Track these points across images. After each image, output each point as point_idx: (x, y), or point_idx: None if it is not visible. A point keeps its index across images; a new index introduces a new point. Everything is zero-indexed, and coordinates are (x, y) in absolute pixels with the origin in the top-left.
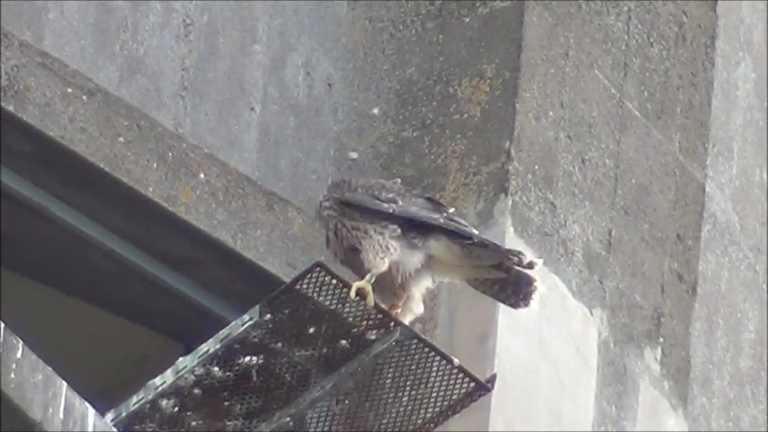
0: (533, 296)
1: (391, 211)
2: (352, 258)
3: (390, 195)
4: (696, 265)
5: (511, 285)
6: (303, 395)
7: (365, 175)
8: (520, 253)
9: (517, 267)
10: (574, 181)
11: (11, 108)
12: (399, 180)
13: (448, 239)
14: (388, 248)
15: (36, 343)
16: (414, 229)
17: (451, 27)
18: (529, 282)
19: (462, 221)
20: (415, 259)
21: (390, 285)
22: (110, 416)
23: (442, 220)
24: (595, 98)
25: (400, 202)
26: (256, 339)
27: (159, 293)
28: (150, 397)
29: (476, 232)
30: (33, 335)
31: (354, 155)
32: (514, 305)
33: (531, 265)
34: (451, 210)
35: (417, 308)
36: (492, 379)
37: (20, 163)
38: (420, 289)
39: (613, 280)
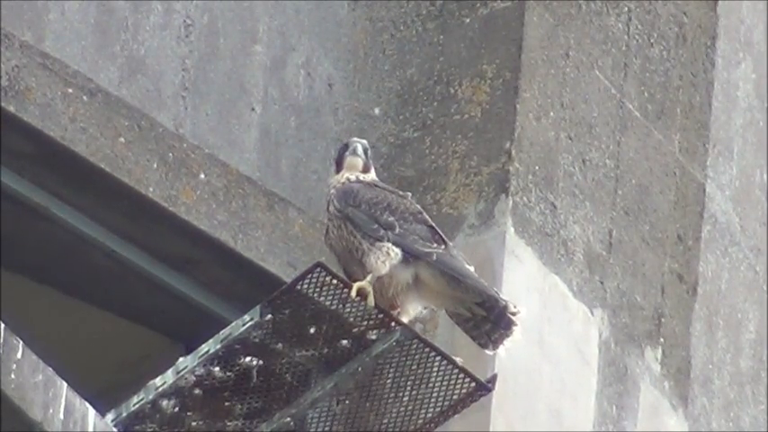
0: (505, 342)
1: (386, 239)
2: (348, 258)
3: (390, 219)
4: (696, 265)
5: (489, 324)
6: (304, 395)
7: (374, 185)
8: (508, 300)
9: (505, 312)
10: (574, 181)
11: (11, 108)
12: (410, 194)
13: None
14: (389, 254)
15: (36, 343)
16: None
17: (452, 27)
18: (508, 326)
19: (459, 257)
20: (407, 274)
21: (380, 297)
22: (110, 416)
23: (435, 257)
24: (596, 99)
25: (397, 230)
26: (257, 340)
27: (159, 293)
28: (151, 397)
29: (470, 269)
30: (33, 335)
31: None
32: (484, 345)
33: (515, 314)
34: (451, 244)
35: (414, 312)
36: (492, 379)
37: (20, 163)
38: (411, 305)
39: (614, 280)
